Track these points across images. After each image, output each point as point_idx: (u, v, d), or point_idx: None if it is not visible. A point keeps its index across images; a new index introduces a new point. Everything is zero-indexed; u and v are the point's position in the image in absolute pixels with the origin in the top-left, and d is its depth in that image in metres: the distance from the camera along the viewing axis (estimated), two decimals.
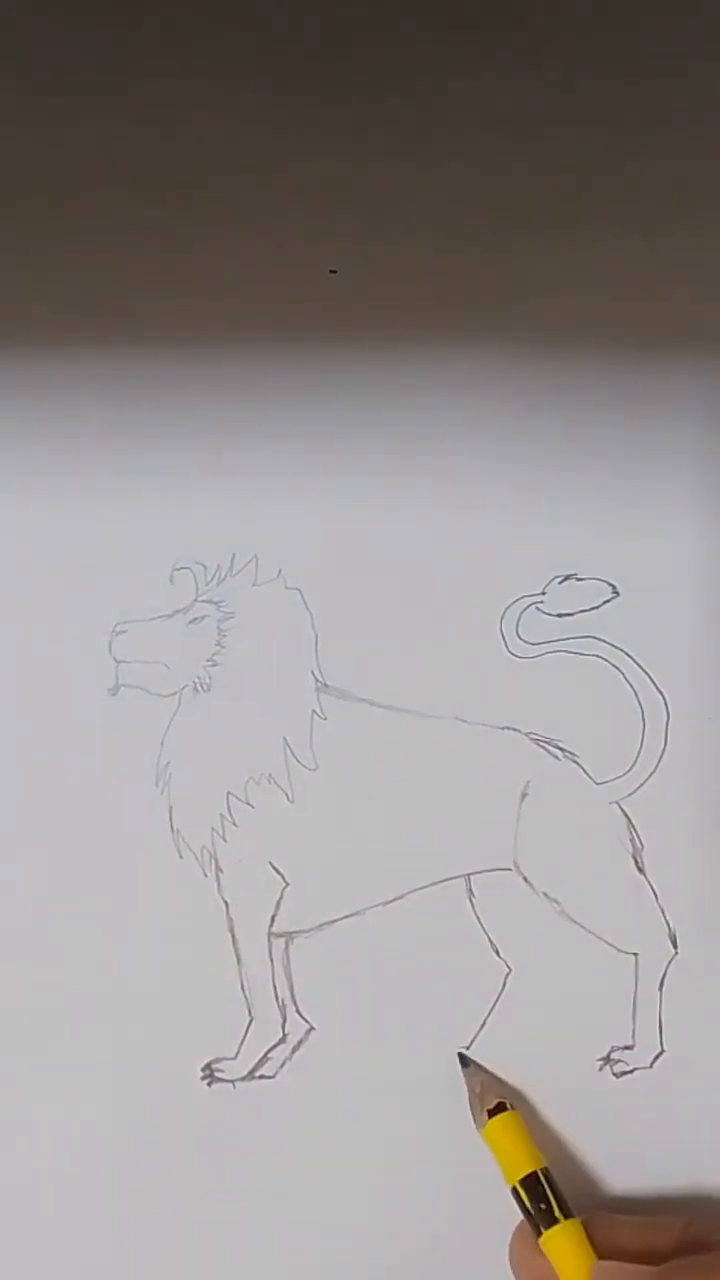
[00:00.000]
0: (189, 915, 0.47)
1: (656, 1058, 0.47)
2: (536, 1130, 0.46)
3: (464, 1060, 0.46)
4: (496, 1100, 0.45)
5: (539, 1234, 0.43)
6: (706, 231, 0.49)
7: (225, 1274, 0.46)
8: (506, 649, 0.48)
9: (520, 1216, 0.44)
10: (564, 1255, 0.42)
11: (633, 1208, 0.46)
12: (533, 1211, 0.43)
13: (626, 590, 0.48)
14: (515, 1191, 0.44)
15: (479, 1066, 0.46)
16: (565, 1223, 0.43)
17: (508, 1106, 0.45)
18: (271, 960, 0.47)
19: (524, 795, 0.47)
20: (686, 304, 0.49)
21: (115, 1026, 0.46)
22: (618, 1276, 0.41)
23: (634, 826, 0.47)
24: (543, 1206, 0.43)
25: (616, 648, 0.48)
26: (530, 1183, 0.44)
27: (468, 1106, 0.46)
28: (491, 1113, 0.45)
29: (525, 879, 0.47)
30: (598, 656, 0.48)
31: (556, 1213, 0.43)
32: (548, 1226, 0.43)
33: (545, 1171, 0.44)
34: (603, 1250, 0.42)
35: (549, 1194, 0.43)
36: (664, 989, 0.47)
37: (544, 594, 0.48)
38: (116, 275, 0.48)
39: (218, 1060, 0.46)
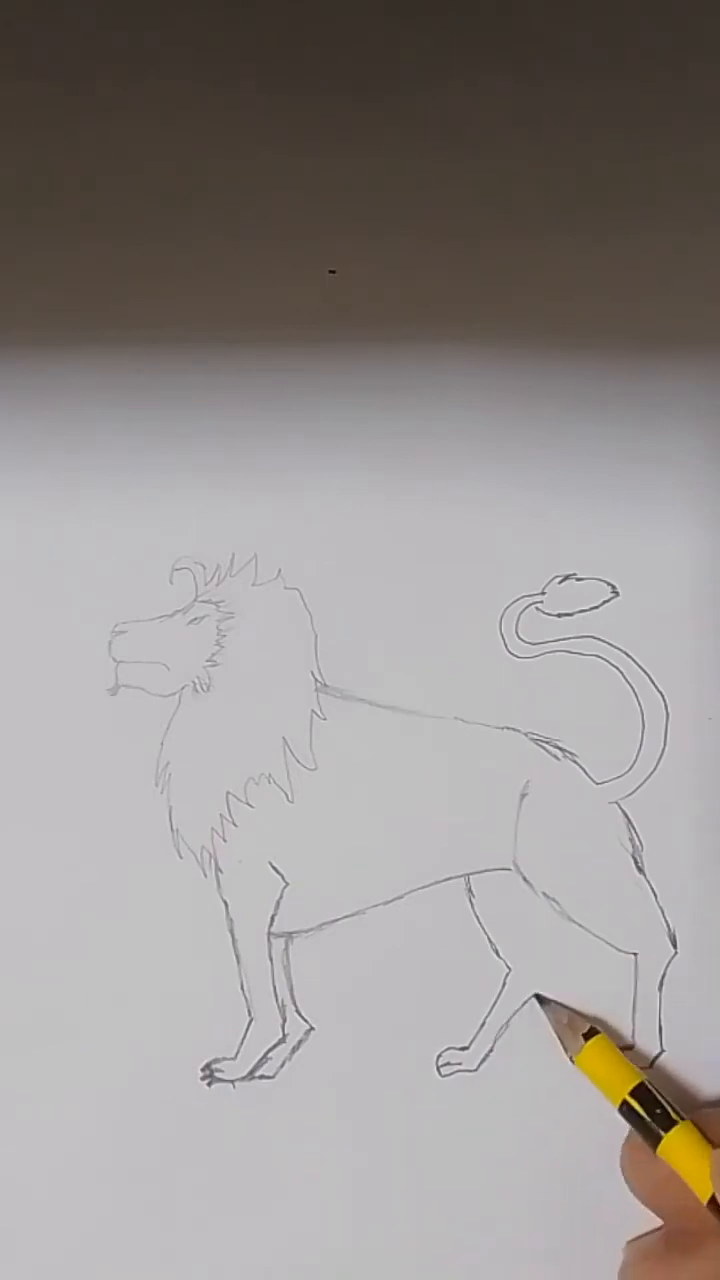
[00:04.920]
0: (189, 915, 0.47)
1: (656, 1058, 0.47)
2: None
3: (541, 999, 0.47)
4: (589, 1025, 0.46)
5: (657, 1141, 0.44)
6: (706, 231, 0.49)
7: (224, 1273, 0.46)
8: (506, 649, 0.48)
9: (624, 1134, 0.45)
10: (685, 1153, 0.43)
11: None
12: (648, 1119, 0.44)
13: (626, 590, 0.48)
14: (625, 1105, 0.44)
15: (558, 1003, 0.47)
16: (683, 1124, 0.44)
17: (597, 1030, 0.46)
18: (271, 960, 0.47)
19: (524, 795, 0.47)
20: (686, 304, 0.49)
21: (115, 1026, 0.46)
22: None
23: (634, 826, 0.47)
24: (658, 1111, 0.44)
25: (616, 648, 0.48)
26: (641, 1093, 0.44)
27: (555, 1040, 0.46)
28: (585, 1037, 0.45)
29: (525, 879, 0.47)
30: (597, 656, 0.48)
31: (673, 1114, 0.44)
32: (666, 1129, 0.44)
33: (649, 1081, 0.45)
34: (718, 1141, 0.44)
35: (661, 1098, 0.44)
36: (664, 989, 0.47)
37: (544, 594, 0.48)
38: (116, 275, 0.48)
39: (218, 1060, 0.46)
